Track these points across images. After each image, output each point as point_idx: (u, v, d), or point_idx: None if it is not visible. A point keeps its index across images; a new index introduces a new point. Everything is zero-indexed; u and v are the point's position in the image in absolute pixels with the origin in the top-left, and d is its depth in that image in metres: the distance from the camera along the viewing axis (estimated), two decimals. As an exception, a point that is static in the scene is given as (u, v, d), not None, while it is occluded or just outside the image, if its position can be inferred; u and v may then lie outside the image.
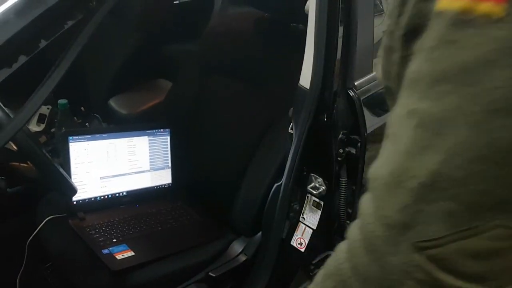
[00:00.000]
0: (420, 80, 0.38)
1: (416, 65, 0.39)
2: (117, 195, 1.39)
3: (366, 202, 0.42)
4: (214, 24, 1.61)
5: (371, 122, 1.09)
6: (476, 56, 0.35)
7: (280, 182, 1.12)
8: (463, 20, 0.35)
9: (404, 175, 0.38)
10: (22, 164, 1.00)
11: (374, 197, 0.40)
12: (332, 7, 1.03)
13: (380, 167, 0.41)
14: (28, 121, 0.94)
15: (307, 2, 1.08)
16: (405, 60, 0.42)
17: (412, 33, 0.41)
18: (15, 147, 0.93)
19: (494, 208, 0.35)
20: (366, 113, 1.08)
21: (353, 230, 0.43)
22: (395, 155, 0.39)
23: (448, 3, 0.36)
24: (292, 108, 1.09)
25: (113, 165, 1.37)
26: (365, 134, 1.06)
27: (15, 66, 0.83)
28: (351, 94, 1.07)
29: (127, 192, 1.41)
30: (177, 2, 1.87)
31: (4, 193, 0.99)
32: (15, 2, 0.82)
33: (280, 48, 1.34)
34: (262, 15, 1.36)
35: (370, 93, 1.11)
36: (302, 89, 1.07)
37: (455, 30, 0.36)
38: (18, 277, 1.22)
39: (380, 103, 1.17)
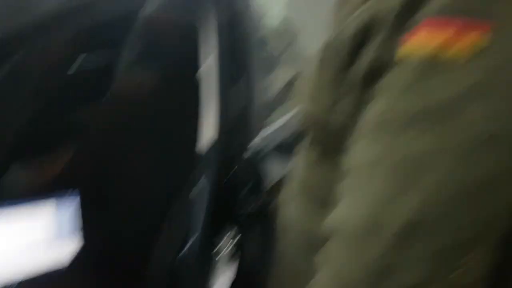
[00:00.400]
0: (391, 121, 0.38)
1: (383, 107, 0.39)
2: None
3: (336, 251, 0.41)
4: (117, 88, 1.60)
5: (272, 175, 1.14)
6: (453, 92, 0.35)
7: (190, 245, 1.12)
8: (431, 64, 0.36)
9: (380, 220, 0.37)
10: None
11: (347, 246, 0.39)
12: (225, 67, 1.09)
13: (348, 213, 0.40)
14: None
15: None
16: (361, 103, 0.42)
17: (372, 75, 0.40)
18: None
19: (477, 241, 0.35)
20: (267, 166, 1.12)
21: (322, 282, 0.41)
22: (367, 201, 0.38)
23: (415, 47, 0.37)
24: (194, 172, 1.11)
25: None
26: (267, 188, 1.10)
27: None
28: (250, 152, 1.11)
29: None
30: (71, 73, 1.83)
31: None
32: None
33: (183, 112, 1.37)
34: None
35: (268, 148, 1.17)
36: (202, 152, 1.09)
37: (426, 71, 0.36)
38: None
39: (279, 156, 1.22)
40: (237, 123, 1.11)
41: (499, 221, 0.36)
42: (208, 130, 1.09)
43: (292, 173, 0.67)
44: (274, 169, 1.18)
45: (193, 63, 1.21)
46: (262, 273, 1.13)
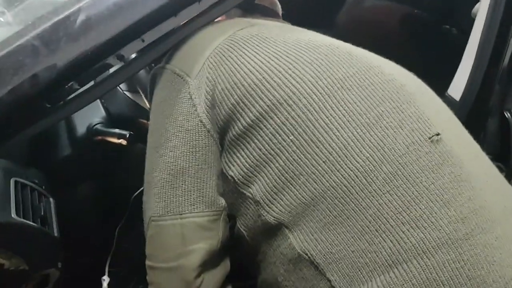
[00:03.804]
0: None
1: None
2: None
3: None
4: (351, 14, 1.52)
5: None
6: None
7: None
8: None
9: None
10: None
11: None
12: (509, 13, 0.91)
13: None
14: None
15: (476, 5, 0.97)
16: None
17: None
18: (148, 105, 0.93)
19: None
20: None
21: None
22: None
23: None
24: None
25: None
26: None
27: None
28: (507, 116, 0.94)
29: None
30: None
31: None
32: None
33: (424, 50, 1.23)
34: (410, 11, 1.25)
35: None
36: (450, 99, 0.96)
37: None
38: (117, 228, 1.25)
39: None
40: (499, 77, 0.94)
41: None
42: (461, 80, 0.95)
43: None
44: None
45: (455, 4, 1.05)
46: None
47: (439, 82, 1.00)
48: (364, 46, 1.34)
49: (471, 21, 0.97)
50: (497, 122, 0.95)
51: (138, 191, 1.23)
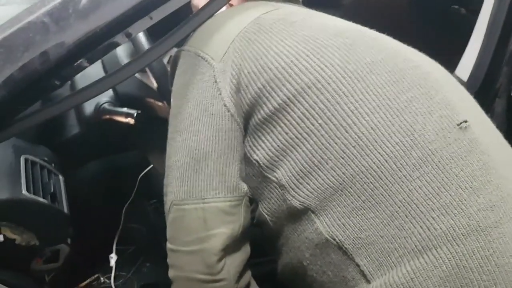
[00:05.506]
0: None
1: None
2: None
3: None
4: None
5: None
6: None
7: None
8: None
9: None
10: (156, 102, 1.00)
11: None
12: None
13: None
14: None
15: (486, -16, 0.95)
16: None
17: None
18: (155, 84, 0.93)
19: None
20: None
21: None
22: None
23: None
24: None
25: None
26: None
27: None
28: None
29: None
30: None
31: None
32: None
33: (433, 30, 1.22)
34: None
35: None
36: (458, 80, 0.96)
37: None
38: (124, 208, 1.27)
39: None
40: (507, 59, 0.93)
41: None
42: (469, 60, 0.95)
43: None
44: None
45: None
46: None
47: (446, 63, 0.99)
48: (372, 27, 1.33)
49: (480, 1, 0.96)
50: (505, 103, 0.94)
51: (145, 171, 1.24)
